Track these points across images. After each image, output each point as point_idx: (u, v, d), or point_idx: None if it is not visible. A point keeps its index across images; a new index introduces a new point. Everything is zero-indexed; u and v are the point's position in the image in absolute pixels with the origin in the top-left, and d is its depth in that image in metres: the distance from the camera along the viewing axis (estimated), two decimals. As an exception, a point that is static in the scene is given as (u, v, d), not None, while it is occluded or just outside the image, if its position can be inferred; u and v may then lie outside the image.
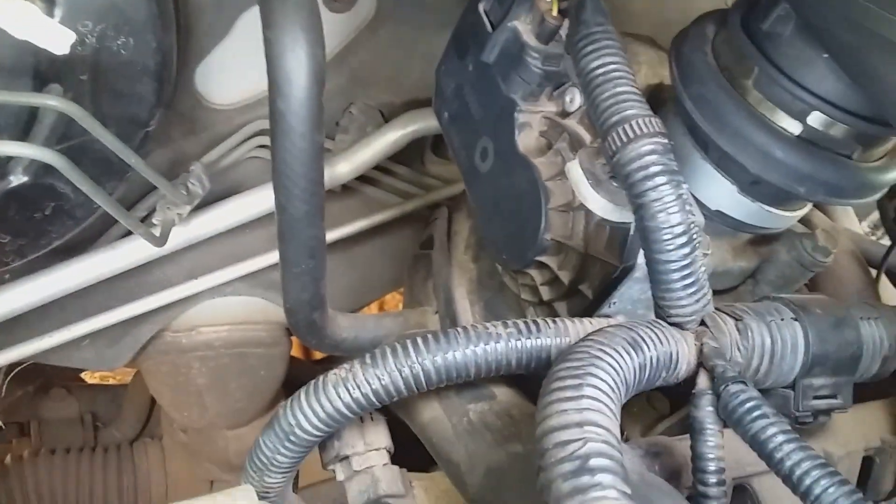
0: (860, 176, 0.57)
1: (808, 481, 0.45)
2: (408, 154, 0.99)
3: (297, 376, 1.18)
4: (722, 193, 0.60)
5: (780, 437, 0.46)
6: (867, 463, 0.65)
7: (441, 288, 0.74)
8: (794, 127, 0.56)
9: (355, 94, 0.95)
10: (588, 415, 0.43)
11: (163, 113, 0.82)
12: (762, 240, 0.65)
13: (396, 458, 0.67)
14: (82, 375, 1.38)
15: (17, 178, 0.78)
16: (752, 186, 0.59)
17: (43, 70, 0.74)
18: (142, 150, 0.82)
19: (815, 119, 0.55)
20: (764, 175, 0.56)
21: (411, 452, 0.68)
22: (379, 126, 0.96)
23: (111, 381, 1.47)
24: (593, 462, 0.41)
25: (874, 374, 0.58)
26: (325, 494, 0.70)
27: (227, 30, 0.89)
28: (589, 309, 0.61)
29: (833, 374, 0.56)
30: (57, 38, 0.64)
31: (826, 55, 0.53)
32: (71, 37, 0.64)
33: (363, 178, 0.97)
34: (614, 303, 0.58)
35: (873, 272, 0.81)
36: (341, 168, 0.94)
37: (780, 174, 0.56)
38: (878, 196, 0.59)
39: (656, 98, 0.66)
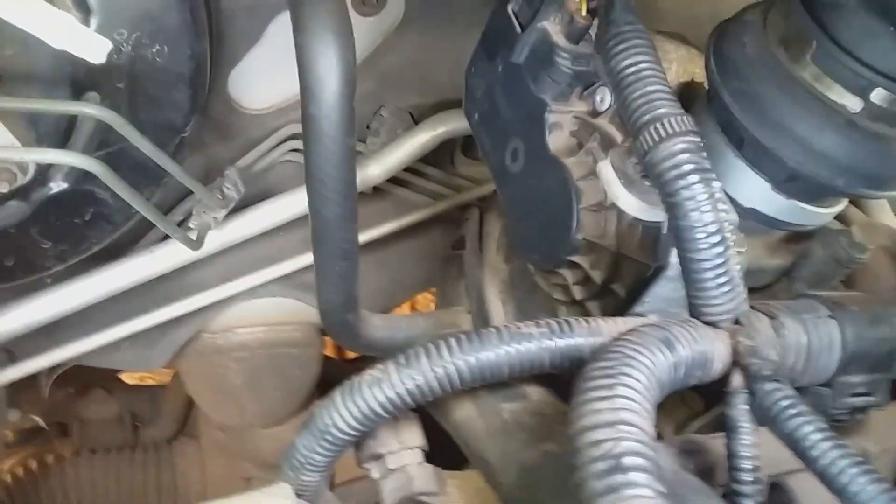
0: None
1: (844, 479, 0.45)
2: (438, 155, 0.99)
3: (331, 375, 1.20)
4: (756, 190, 0.60)
5: (817, 436, 0.46)
6: (906, 461, 0.65)
7: (473, 288, 0.75)
8: (854, 104, 0.54)
9: (385, 97, 0.96)
10: (622, 414, 0.43)
11: (197, 119, 0.84)
12: (797, 237, 0.65)
13: (431, 456, 0.67)
14: (121, 376, 1.40)
15: (58, 185, 0.80)
16: (787, 183, 0.58)
17: (80, 78, 0.75)
18: (177, 156, 0.84)
19: (879, 96, 0.54)
20: (803, 168, 0.56)
21: (446, 450, 0.68)
22: (409, 128, 0.96)
23: (149, 382, 1.49)
24: (627, 461, 0.41)
25: (912, 372, 0.58)
26: (360, 492, 0.71)
27: (259, 35, 0.90)
28: (621, 308, 0.61)
29: (870, 371, 0.56)
30: (94, 48, 0.65)
31: (893, 28, 0.51)
32: (107, 46, 0.65)
33: (394, 180, 0.98)
34: (647, 302, 0.58)
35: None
36: (372, 170, 0.94)
37: (818, 166, 0.55)
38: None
39: (688, 95, 0.66)
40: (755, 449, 0.49)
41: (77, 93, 0.76)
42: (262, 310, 1.04)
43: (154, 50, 0.77)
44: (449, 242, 0.98)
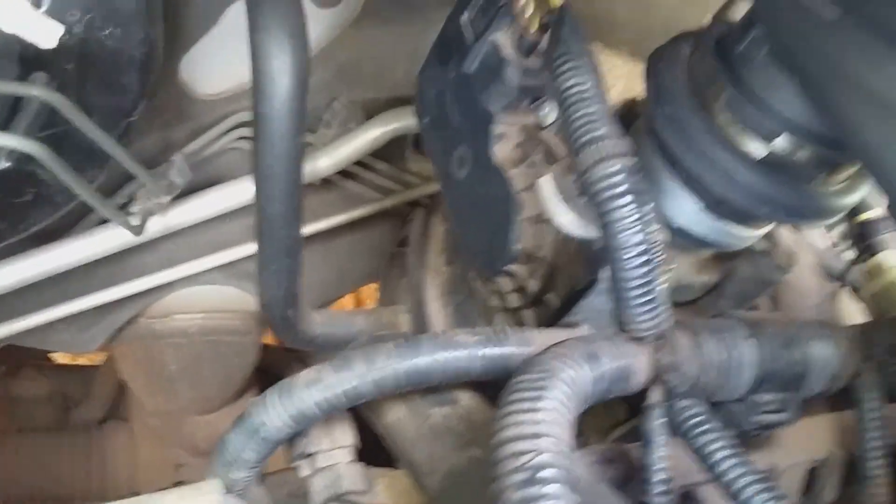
0: (821, 200, 0.61)
1: (746, 494, 0.49)
2: (389, 150, 1.02)
3: (270, 364, 1.22)
4: (686, 210, 0.64)
5: (724, 452, 0.50)
6: (812, 474, 0.70)
7: (413, 289, 0.78)
8: (759, 150, 0.59)
9: (340, 90, 0.98)
10: (542, 427, 0.47)
11: (147, 103, 0.85)
12: (724, 255, 0.69)
13: (365, 453, 0.70)
14: (53, 356, 1.40)
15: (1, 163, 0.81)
16: (716, 205, 0.62)
17: (29, 58, 0.76)
18: (124, 140, 0.85)
19: (782, 143, 0.59)
20: (727, 196, 0.60)
21: (379, 447, 0.72)
22: (361, 122, 0.99)
23: (82, 362, 1.49)
24: (544, 473, 0.45)
25: (821, 391, 0.62)
26: (292, 482, 0.74)
27: (215, 20, 0.91)
28: (555, 317, 0.65)
29: (781, 390, 0.60)
30: (45, 32, 0.66)
31: (796, 81, 0.55)
32: (59, 31, 0.66)
33: (343, 173, 1.00)
34: (578, 313, 0.62)
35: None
36: (322, 162, 0.97)
37: (742, 196, 0.59)
38: (837, 218, 0.62)
39: (631, 112, 0.69)
40: (667, 462, 0.54)
41: (25, 72, 0.77)
42: (202, 297, 1.06)
43: (106, 32, 0.78)
44: (396, 238, 1.01)
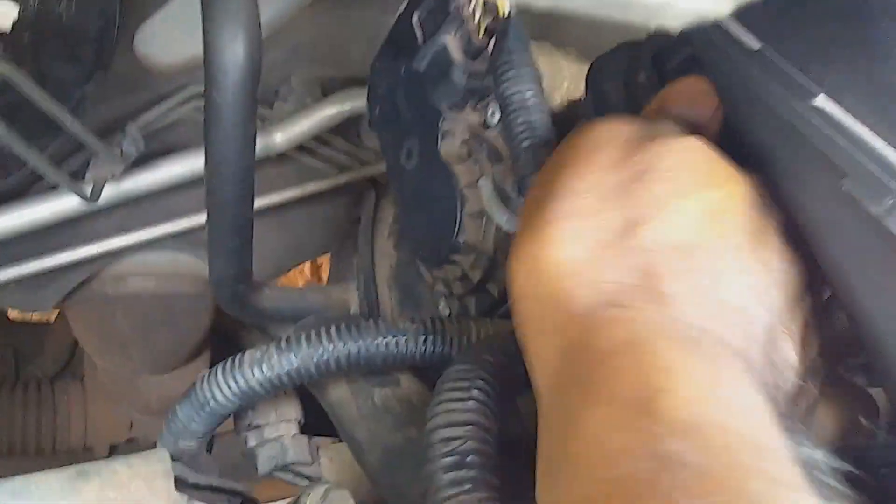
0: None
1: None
2: (345, 127, 1.04)
3: (225, 326, 1.24)
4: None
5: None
6: None
7: (362, 271, 0.81)
8: None
9: (296, 67, 1.00)
10: (471, 416, 0.51)
11: (102, 73, 0.86)
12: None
13: (311, 426, 0.74)
14: (7, 312, 1.41)
15: (-48, 130, 0.82)
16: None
17: (-17, 27, 0.76)
18: (79, 109, 0.86)
19: None
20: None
21: (324, 419, 0.75)
22: (318, 99, 1.00)
23: (35, 318, 1.50)
24: (471, 459, 0.49)
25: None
26: (238, 447, 0.77)
27: (172, -7, 0.91)
28: (495, 306, 0.68)
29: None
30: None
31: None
32: (12, 11, 0.67)
33: (300, 148, 1.02)
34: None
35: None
36: (277, 137, 0.98)
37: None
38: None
39: (574, 113, 0.72)
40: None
41: (-23, 41, 0.78)
42: (155, 262, 1.07)
43: (62, 4, 0.78)
44: (351, 213, 1.04)
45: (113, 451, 1.34)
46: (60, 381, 1.37)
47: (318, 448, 0.70)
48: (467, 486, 0.49)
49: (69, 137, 0.90)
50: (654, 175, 0.44)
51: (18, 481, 0.61)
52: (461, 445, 0.50)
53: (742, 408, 0.37)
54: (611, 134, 0.47)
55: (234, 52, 0.63)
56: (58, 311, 1.35)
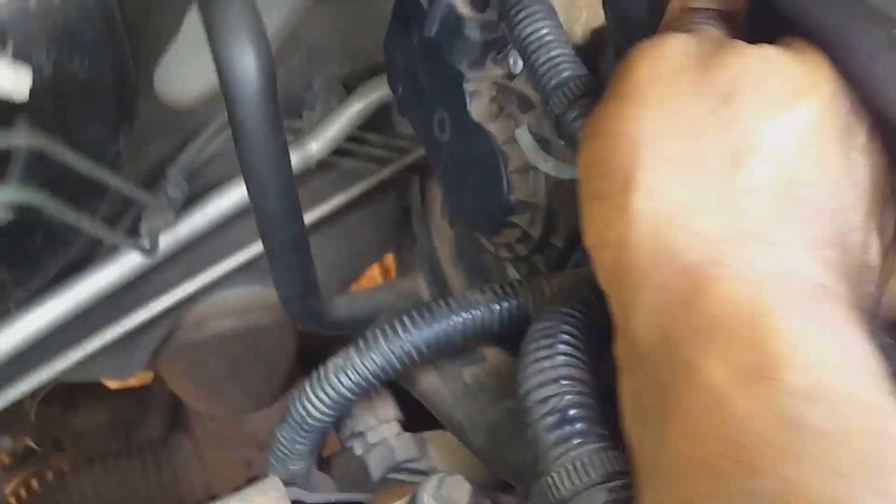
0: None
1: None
2: (377, 120, 1.03)
3: (311, 347, 1.25)
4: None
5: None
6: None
7: (425, 257, 0.80)
8: None
9: (315, 70, 0.99)
10: (563, 370, 0.49)
11: (130, 124, 0.87)
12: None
13: (413, 421, 0.73)
14: (106, 383, 1.46)
15: (4, 215, 0.84)
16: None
17: (6, 106, 0.78)
18: (116, 164, 0.87)
19: None
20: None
21: (425, 411, 0.75)
22: (343, 98, 1.00)
23: (135, 383, 1.54)
24: (572, 413, 0.48)
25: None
26: (351, 463, 0.77)
27: (178, 26, 0.92)
28: (563, 259, 0.66)
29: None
30: (15, 84, 0.68)
31: None
32: (27, 81, 0.68)
33: (337, 151, 1.02)
34: (582, 251, 0.63)
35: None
36: (312, 147, 0.98)
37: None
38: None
39: (600, 39, 0.70)
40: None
41: (6, 120, 0.80)
42: (230, 300, 1.09)
43: (75, 65, 0.80)
44: (401, 206, 1.03)
45: (237, 494, 1.37)
46: (171, 438, 1.40)
47: (424, 441, 0.70)
48: (575, 441, 0.47)
49: (115, 196, 0.92)
50: (741, 97, 0.40)
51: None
52: (559, 402, 0.48)
53: (860, 367, 0.36)
54: (670, 57, 0.43)
55: (246, 64, 0.63)
56: (153, 371, 1.39)
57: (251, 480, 1.48)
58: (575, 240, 0.64)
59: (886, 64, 0.40)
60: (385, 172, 1.05)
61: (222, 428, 1.35)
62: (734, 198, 0.39)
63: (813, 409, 0.33)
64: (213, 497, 1.40)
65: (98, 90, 0.82)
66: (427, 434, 0.73)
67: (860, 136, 0.42)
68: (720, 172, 0.40)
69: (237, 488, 1.39)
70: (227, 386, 1.17)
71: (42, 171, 0.82)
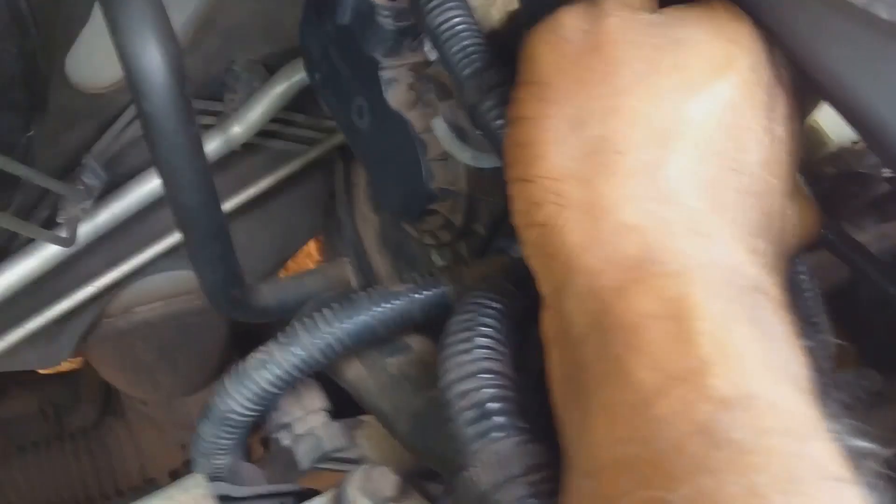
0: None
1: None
2: (303, 101, 1.01)
3: (247, 328, 1.24)
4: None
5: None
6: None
7: (350, 243, 0.79)
8: None
9: (234, 52, 0.97)
10: (482, 364, 0.49)
11: (41, 113, 0.84)
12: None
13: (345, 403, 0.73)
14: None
15: None
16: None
17: None
18: (29, 155, 0.84)
19: None
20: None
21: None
22: (265, 80, 0.98)
23: (64, 368, 1.51)
24: (489, 406, 0.48)
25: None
26: (279, 454, 0.77)
27: (88, 13, 0.89)
28: (485, 245, 0.67)
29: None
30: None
31: None
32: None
33: (263, 133, 1.00)
34: (504, 237, 0.64)
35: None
36: (235, 129, 0.97)
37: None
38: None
39: (517, 25, 0.69)
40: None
41: None
42: (157, 285, 1.07)
43: (-21, 56, 0.77)
44: (330, 187, 1.02)
45: (174, 477, 1.36)
46: (104, 423, 1.38)
47: (352, 430, 0.70)
48: (495, 435, 0.47)
49: (30, 186, 0.89)
50: (657, 79, 0.40)
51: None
52: (478, 396, 0.49)
53: (785, 374, 0.35)
54: (569, 39, 0.43)
55: (151, 57, 0.61)
56: (82, 357, 1.37)
57: (187, 463, 1.47)
58: (497, 226, 0.65)
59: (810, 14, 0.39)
60: (312, 153, 1.04)
61: (156, 411, 1.33)
62: (662, 185, 0.39)
63: (733, 421, 0.33)
64: (149, 481, 1.40)
65: (5, 81, 0.80)
66: (356, 421, 0.73)
67: (780, 107, 0.41)
68: (644, 159, 0.39)
69: (173, 472, 1.38)
70: (159, 371, 1.15)
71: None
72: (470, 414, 0.48)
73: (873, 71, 0.39)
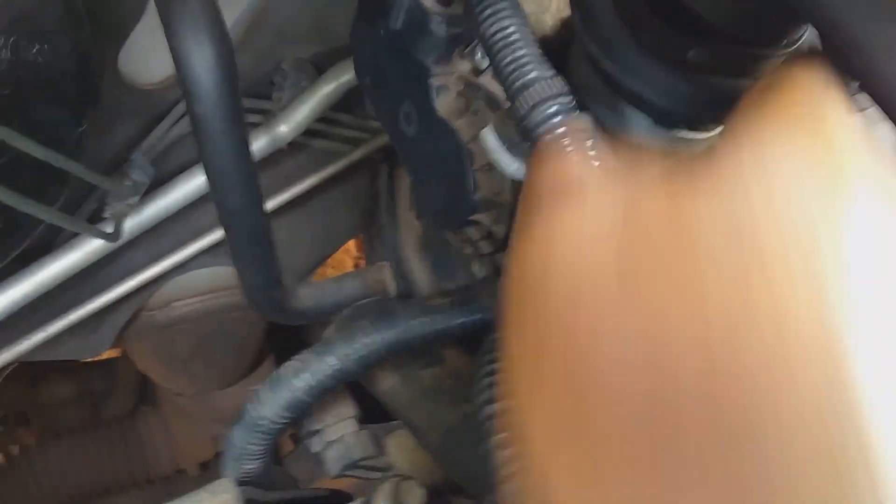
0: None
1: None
2: (349, 101, 1.02)
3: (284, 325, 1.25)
4: (640, 126, 0.64)
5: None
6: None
7: (390, 248, 0.80)
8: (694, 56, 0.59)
9: (284, 52, 0.98)
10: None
11: (93, 108, 0.85)
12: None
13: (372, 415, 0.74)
14: (73, 356, 1.45)
15: (-40, 204, 0.83)
16: (665, 118, 0.63)
17: (-37, 94, 0.77)
18: (80, 150, 0.86)
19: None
20: (672, 109, 0.60)
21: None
22: (313, 79, 0.99)
23: (103, 357, 1.54)
24: None
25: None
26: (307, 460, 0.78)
27: (142, 8, 0.90)
28: (527, 259, 0.66)
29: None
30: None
31: None
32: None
33: (308, 133, 1.01)
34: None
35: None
36: (282, 128, 0.98)
37: (685, 106, 0.60)
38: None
39: (570, 32, 0.69)
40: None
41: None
42: (196, 281, 1.09)
43: (34, 51, 0.78)
44: (372, 189, 1.02)
45: (204, 469, 1.38)
46: (139, 413, 1.40)
47: (382, 437, 0.70)
48: None
49: (78, 180, 0.90)
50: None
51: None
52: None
53: None
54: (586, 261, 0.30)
55: (204, 59, 0.62)
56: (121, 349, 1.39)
57: (219, 456, 1.49)
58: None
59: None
60: (357, 153, 1.05)
61: (189, 403, 1.35)
62: None
63: None
64: (180, 471, 1.42)
65: (58, 75, 0.81)
66: (386, 428, 0.74)
67: None
68: None
69: (204, 464, 1.40)
70: (195, 365, 1.17)
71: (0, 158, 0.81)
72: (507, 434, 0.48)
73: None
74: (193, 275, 1.08)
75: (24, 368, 1.35)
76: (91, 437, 1.38)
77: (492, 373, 0.49)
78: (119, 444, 1.38)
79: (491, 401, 0.49)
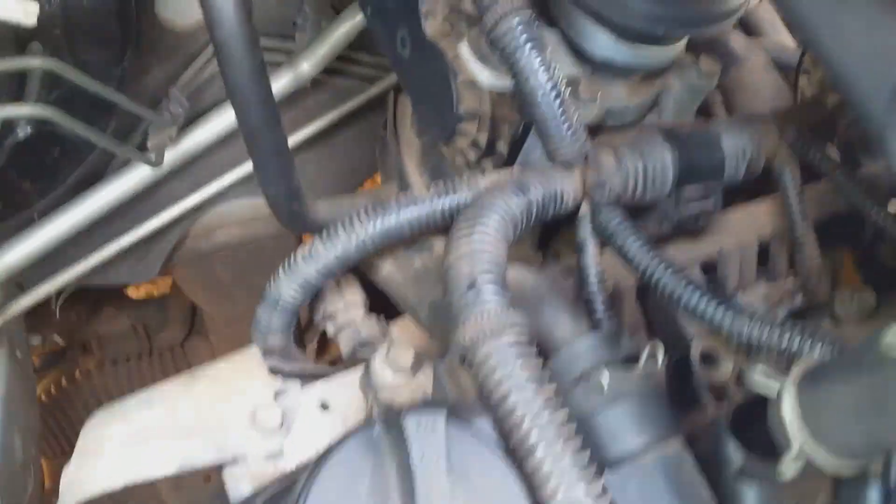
0: (709, 5, 0.70)
1: (657, 275, 0.62)
2: (366, 40, 1.13)
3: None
4: (603, 43, 0.74)
5: (636, 244, 0.64)
6: (764, 251, 0.82)
7: (395, 166, 0.91)
8: None
9: (305, -7, 1.09)
10: (476, 245, 0.61)
11: (134, 47, 0.98)
12: (654, 75, 0.79)
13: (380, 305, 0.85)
14: (128, 293, 1.61)
15: (24, 131, 0.97)
16: (624, 33, 0.73)
17: (22, 33, 0.90)
18: (123, 85, 0.99)
19: None
20: (627, 23, 0.70)
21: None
22: (332, 19, 1.10)
23: (154, 294, 1.69)
24: (479, 279, 0.59)
25: (745, 176, 0.73)
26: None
27: (177, -44, 1.03)
28: (506, 163, 0.77)
29: (703, 180, 0.72)
30: (24, 11, 0.80)
31: None
32: (35, 8, 0.80)
33: (328, 71, 1.12)
34: (522, 154, 0.74)
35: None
36: (304, 67, 1.09)
37: (640, 21, 0.69)
38: (735, 19, 0.72)
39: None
40: (597, 259, 0.67)
41: (21, 46, 0.92)
42: (234, 211, 1.21)
43: (80, -7, 0.91)
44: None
45: (250, 394, 1.51)
46: (189, 342, 1.55)
47: (386, 324, 0.82)
48: (479, 302, 0.58)
49: (123, 114, 1.04)
50: None
51: (146, 393, 0.77)
52: (471, 272, 0.59)
53: None
54: None
55: (222, -8, 0.73)
56: (172, 283, 1.54)
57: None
58: (516, 145, 0.75)
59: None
60: (374, 90, 1.16)
61: (236, 332, 1.48)
62: None
63: None
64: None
65: (102, 16, 0.94)
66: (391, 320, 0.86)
67: None
68: None
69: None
70: (235, 290, 1.30)
71: (55, 91, 0.95)
72: (462, 285, 0.59)
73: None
74: (231, 205, 1.20)
75: (84, 302, 1.51)
76: (145, 364, 1.54)
77: (455, 238, 0.60)
78: (171, 371, 1.53)
79: (455, 259, 0.60)
